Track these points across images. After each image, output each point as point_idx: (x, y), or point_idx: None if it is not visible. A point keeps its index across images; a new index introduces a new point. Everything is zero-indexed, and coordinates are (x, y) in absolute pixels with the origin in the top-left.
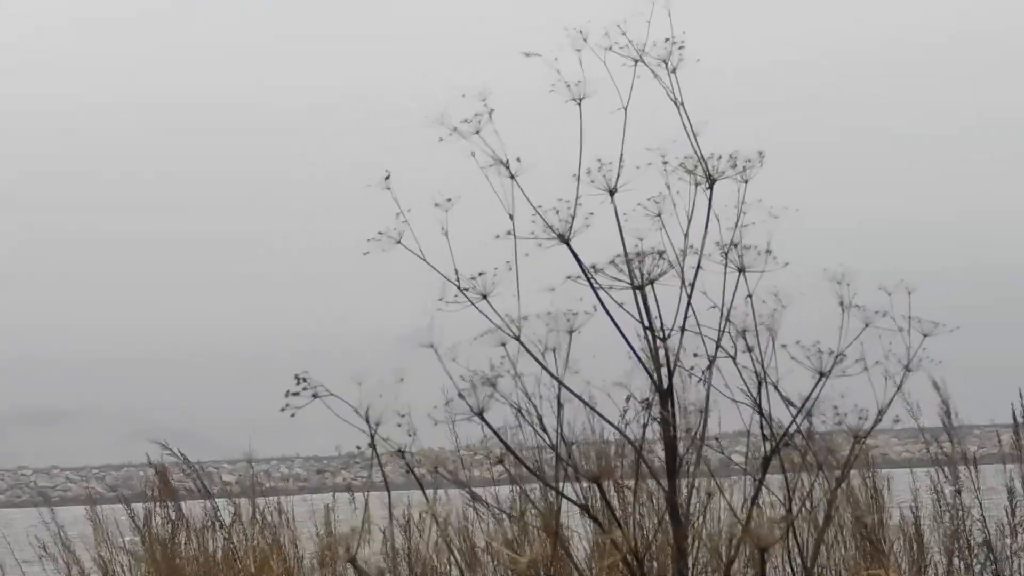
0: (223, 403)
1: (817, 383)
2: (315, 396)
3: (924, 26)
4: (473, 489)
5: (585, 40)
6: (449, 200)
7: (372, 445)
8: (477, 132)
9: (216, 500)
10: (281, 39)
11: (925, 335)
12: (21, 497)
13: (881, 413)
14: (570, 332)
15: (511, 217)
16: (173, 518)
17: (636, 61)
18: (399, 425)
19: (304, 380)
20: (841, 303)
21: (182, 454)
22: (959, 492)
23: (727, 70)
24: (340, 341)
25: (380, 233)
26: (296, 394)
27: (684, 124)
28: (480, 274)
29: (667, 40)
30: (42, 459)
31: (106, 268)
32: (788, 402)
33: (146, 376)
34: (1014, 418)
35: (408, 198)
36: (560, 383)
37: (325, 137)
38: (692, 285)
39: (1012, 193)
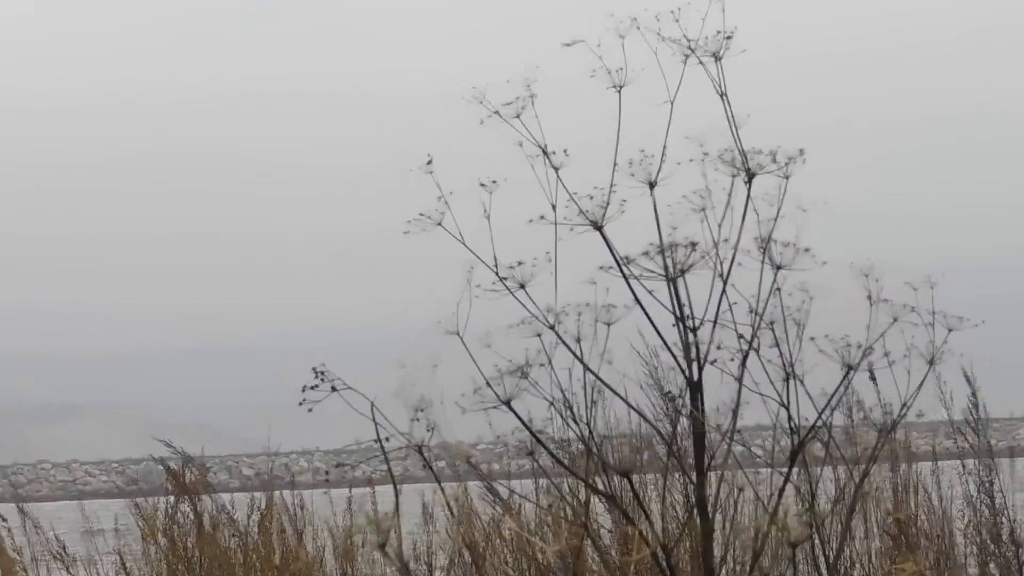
0: (244, 396)
1: (845, 376)
2: (333, 389)
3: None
4: (500, 482)
5: (637, 28)
6: (494, 182)
7: (377, 439)
8: (518, 116)
9: (235, 494)
10: (321, 24)
11: (950, 330)
12: (40, 491)
13: (906, 407)
14: (608, 324)
15: (554, 207)
16: (192, 514)
17: (687, 55)
18: (416, 420)
19: (322, 373)
20: (869, 297)
21: (183, 450)
22: (991, 485)
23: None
24: (361, 333)
25: (421, 215)
26: (314, 387)
27: (728, 116)
28: (519, 263)
29: (718, 33)
30: (61, 453)
31: (114, 259)
32: (813, 398)
33: (163, 370)
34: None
35: (448, 183)
36: (596, 376)
37: (360, 124)
38: (726, 279)
39: None
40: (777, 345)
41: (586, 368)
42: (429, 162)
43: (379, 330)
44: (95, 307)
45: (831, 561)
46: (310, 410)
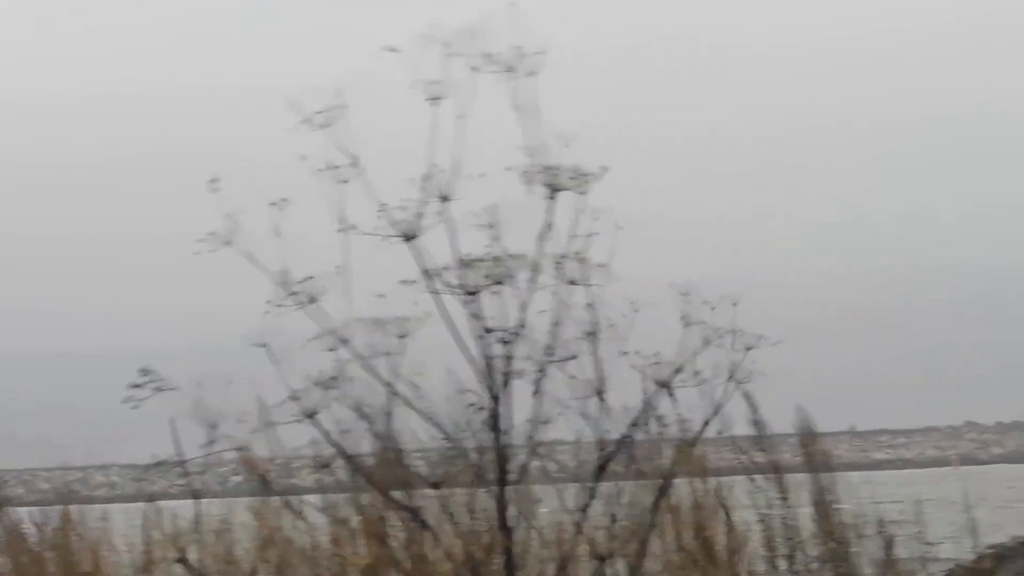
0: (40, 408)
1: (654, 393)
2: (158, 390)
3: None
4: (298, 495)
5: (445, 45)
6: (284, 200)
7: (177, 454)
8: (327, 126)
9: (30, 508)
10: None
11: (748, 348)
12: None
13: (705, 423)
14: (403, 336)
15: (350, 220)
16: None
17: (496, 70)
18: (214, 435)
19: (149, 373)
20: (683, 317)
21: None
22: (784, 499)
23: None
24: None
25: (212, 233)
26: (139, 386)
27: (534, 133)
28: (309, 278)
29: (523, 48)
30: None
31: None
32: (618, 411)
33: None
34: (802, 429)
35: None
36: (391, 389)
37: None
38: (530, 293)
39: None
40: (584, 360)
41: (383, 382)
42: (215, 180)
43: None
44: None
45: (632, 572)
46: (135, 407)
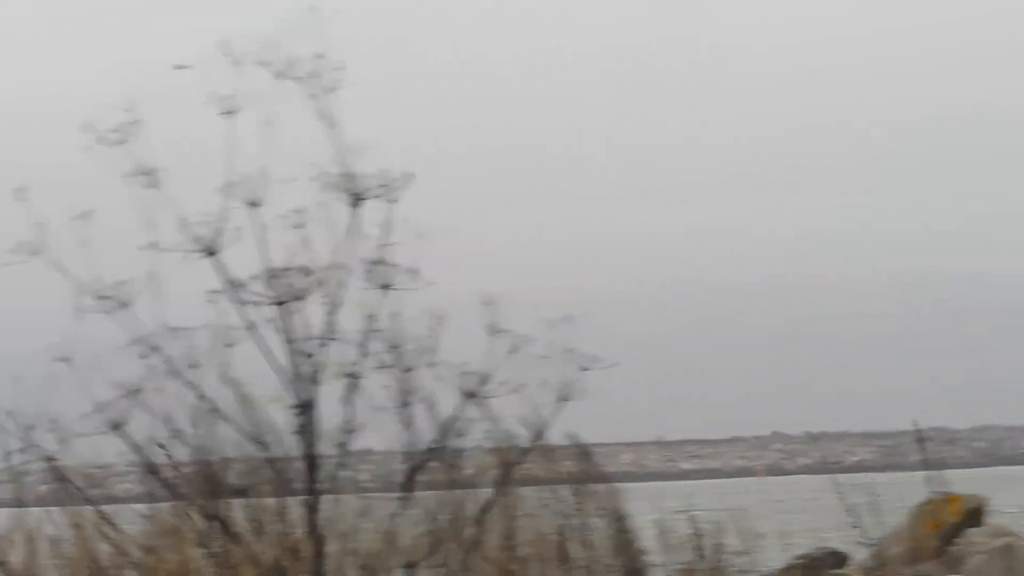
0: None
1: (465, 402)
2: None
3: None
4: (111, 503)
5: (246, 56)
6: (90, 211)
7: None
8: (123, 142)
9: None
10: None
11: (584, 369)
12: None
13: (530, 434)
14: (213, 346)
15: (157, 230)
16: None
17: (295, 81)
18: (22, 445)
19: None
20: (490, 327)
21: None
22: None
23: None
24: None
25: (19, 244)
26: None
27: (336, 143)
28: (120, 283)
29: (322, 60)
30: None
31: None
32: (435, 420)
33: None
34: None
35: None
36: (200, 398)
37: None
38: (336, 303)
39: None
40: (391, 368)
41: (193, 391)
42: (21, 189)
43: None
44: None
45: None
46: None
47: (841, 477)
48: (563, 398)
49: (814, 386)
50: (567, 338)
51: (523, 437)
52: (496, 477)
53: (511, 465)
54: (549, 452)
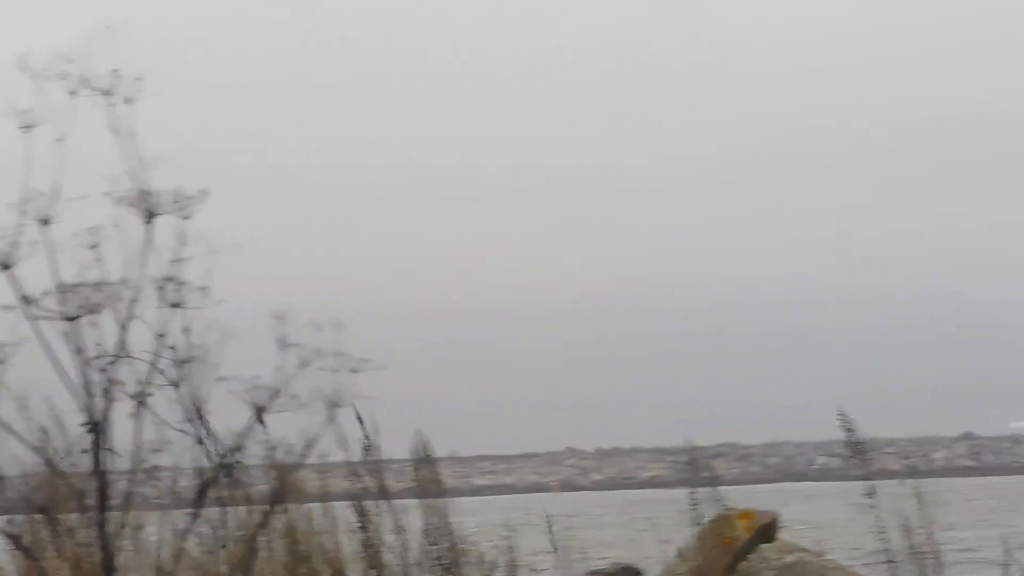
0: None
1: (253, 417)
2: None
3: None
4: None
5: (41, 70)
6: None
7: None
8: None
9: None
10: None
11: (354, 371)
12: None
13: (308, 448)
14: (1, 362)
15: None
16: None
17: (92, 94)
18: None
19: None
20: (280, 340)
21: None
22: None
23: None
24: None
25: None
26: None
27: (130, 158)
28: None
29: (117, 72)
30: None
31: None
32: (221, 435)
33: None
34: (415, 454)
35: None
36: None
37: None
38: (129, 318)
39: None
40: (185, 385)
41: None
42: None
43: None
44: None
45: None
46: None
47: (634, 493)
48: (335, 405)
49: (609, 403)
50: (337, 343)
51: (303, 450)
52: (276, 492)
53: (290, 479)
54: (328, 466)
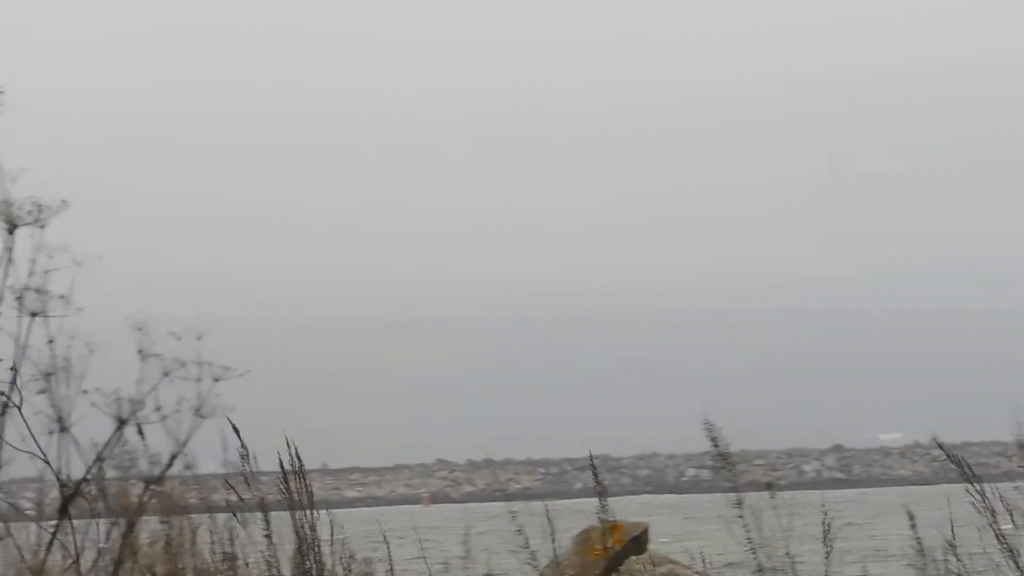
0: None
1: (116, 429)
2: None
3: None
4: None
5: None
6: None
7: None
8: None
9: None
10: None
11: (217, 379)
12: None
13: (172, 459)
14: None
15: None
16: None
17: None
18: None
19: None
20: (140, 351)
21: None
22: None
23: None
24: None
25: None
26: None
27: None
28: None
29: None
30: None
31: None
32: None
33: None
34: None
35: None
36: None
37: None
38: None
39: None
40: (47, 397)
41: None
42: None
43: None
44: None
45: None
46: None
47: (505, 504)
48: (201, 416)
49: (482, 415)
50: (200, 353)
51: (170, 461)
52: (142, 504)
53: (157, 491)
54: (197, 478)
